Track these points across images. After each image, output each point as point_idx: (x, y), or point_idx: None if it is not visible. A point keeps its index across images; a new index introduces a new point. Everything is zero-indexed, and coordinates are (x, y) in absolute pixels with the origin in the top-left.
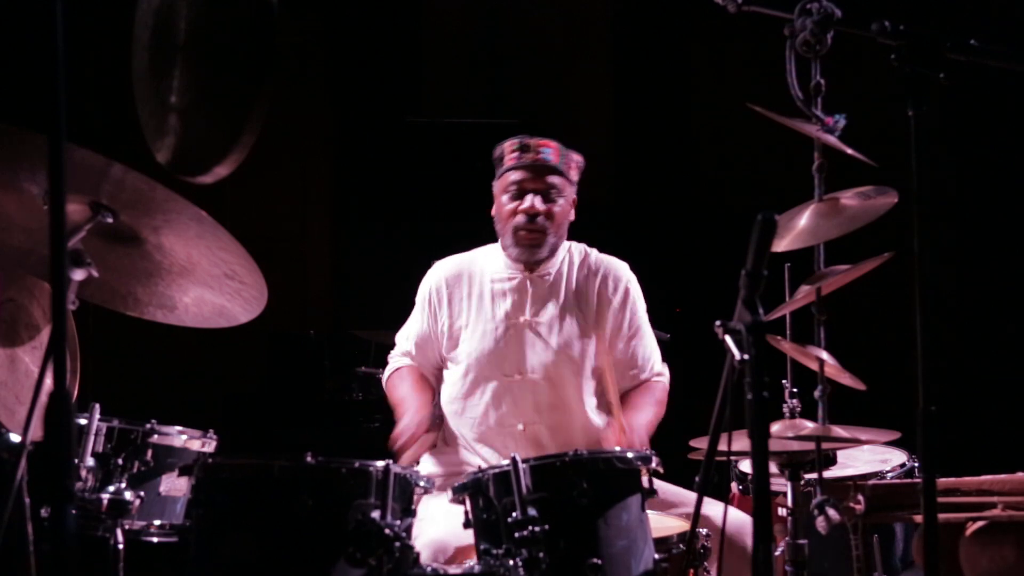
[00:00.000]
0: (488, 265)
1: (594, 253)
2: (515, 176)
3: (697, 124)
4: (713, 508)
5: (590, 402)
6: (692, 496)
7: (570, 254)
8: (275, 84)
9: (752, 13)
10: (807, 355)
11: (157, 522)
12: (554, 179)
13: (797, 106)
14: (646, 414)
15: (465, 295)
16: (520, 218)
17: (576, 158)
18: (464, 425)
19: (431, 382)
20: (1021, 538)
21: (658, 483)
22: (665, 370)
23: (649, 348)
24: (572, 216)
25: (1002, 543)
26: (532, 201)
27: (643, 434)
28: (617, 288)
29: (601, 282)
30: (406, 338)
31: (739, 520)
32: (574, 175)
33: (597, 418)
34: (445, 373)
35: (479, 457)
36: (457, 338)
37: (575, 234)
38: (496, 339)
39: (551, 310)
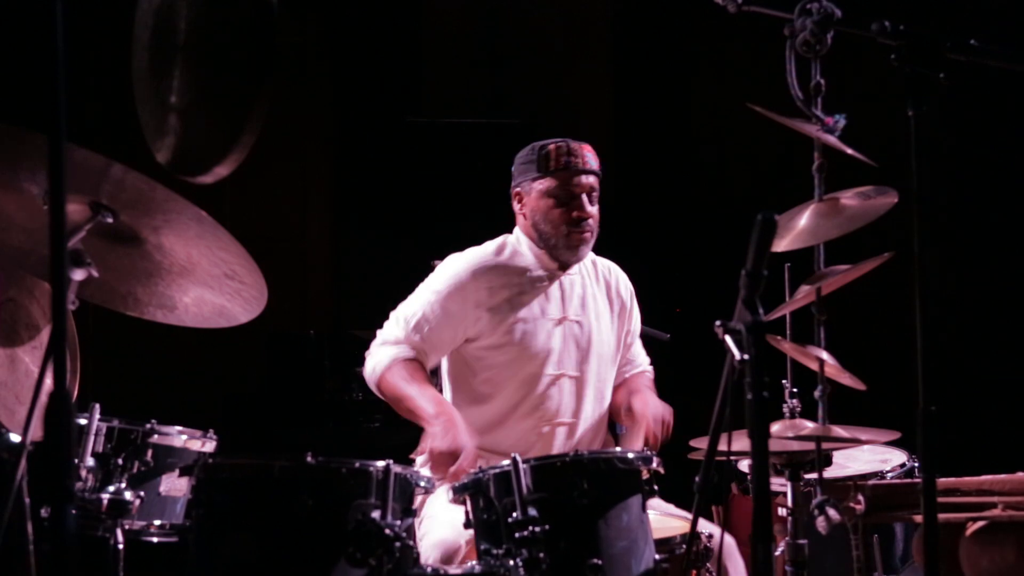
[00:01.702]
0: (519, 261)
1: (598, 258)
2: (565, 180)
3: (697, 124)
4: (708, 529)
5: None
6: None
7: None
8: (275, 84)
9: (752, 13)
10: (807, 355)
11: (157, 522)
12: (595, 182)
13: (797, 106)
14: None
15: (509, 289)
16: (573, 224)
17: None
18: (502, 421)
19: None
20: (1021, 538)
21: (654, 502)
22: (651, 368)
23: (640, 347)
24: None
25: (1002, 543)
26: (585, 206)
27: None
28: (627, 295)
29: (616, 287)
30: (414, 326)
31: (726, 544)
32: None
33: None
34: (487, 372)
35: (499, 456)
36: (501, 333)
37: None
38: (547, 336)
39: (588, 309)
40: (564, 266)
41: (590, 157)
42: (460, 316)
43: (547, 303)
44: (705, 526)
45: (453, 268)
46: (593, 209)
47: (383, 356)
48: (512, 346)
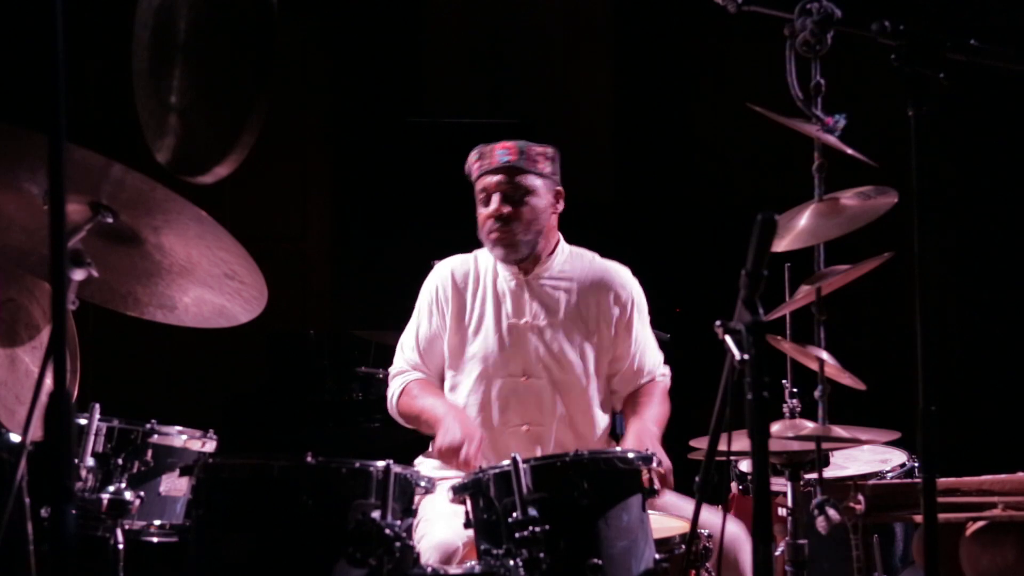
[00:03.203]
0: (490, 266)
1: (597, 259)
2: (481, 184)
3: (697, 124)
4: (710, 517)
5: (595, 405)
6: (690, 505)
7: (571, 258)
8: (275, 84)
9: (752, 13)
10: (807, 355)
11: (157, 522)
12: (518, 178)
13: (797, 106)
14: (654, 410)
15: (470, 295)
16: (489, 222)
17: (540, 149)
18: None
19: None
20: (1021, 538)
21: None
22: (667, 370)
23: (653, 352)
24: (557, 207)
25: (1002, 543)
26: (495, 203)
27: (655, 429)
28: (623, 298)
29: (606, 292)
30: (411, 348)
31: (734, 531)
32: (544, 167)
33: (601, 421)
34: (448, 374)
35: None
36: (463, 337)
37: (575, 233)
38: (501, 339)
39: (552, 314)
40: (526, 269)
41: (501, 154)
42: (436, 319)
43: (510, 308)
44: (709, 513)
45: (427, 280)
46: (512, 208)
47: (394, 386)
48: (469, 348)
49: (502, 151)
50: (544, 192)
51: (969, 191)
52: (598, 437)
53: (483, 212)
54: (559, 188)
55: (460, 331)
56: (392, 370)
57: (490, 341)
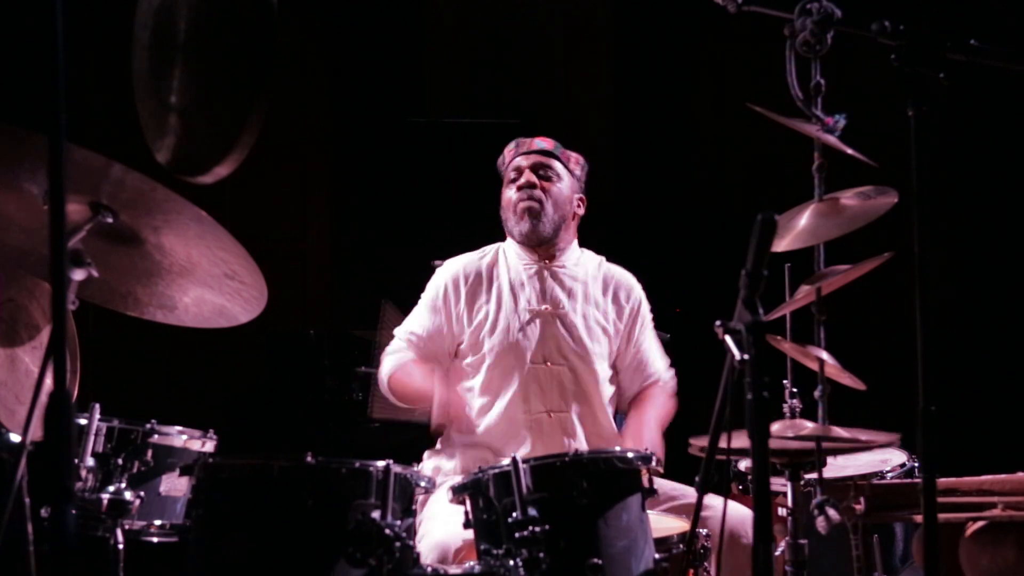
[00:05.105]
0: (504, 259)
1: (605, 262)
2: (514, 165)
3: (697, 124)
4: (714, 501)
5: (607, 393)
6: (691, 490)
7: (584, 258)
8: (275, 84)
9: (752, 13)
10: (807, 355)
11: (157, 522)
12: (551, 161)
13: (797, 106)
14: (655, 411)
15: (484, 288)
16: (518, 193)
17: (575, 155)
18: (491, 416)
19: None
20: (1021, 538)
21: (657, 480)
22: (672, 375)
23: (658, 356)
24: (579, 210)
25: (1002, 543)
26: (527, 176)
27: (655, 427)
28: (630, 300)
29: (616, 292)
30: (409, 333)
31: (740, 514)
32: (575, 168)
33: (611, 410)
34: (467, 366)
35: (493, 451)
36: (480, 331)
37: (578, 233)
38: (521, 328)
39: (572, 302)
40: (546, 257)
41: (540, 143)
42: (444, 318)
43: (530, 295)
44: (714, 499)
45: (435, 276)
46: (544, 183)
47: (385, 366)
48: (488, 340)
49: (541, 141)
50: (570, 186)
51: (969, 191)
52: (613, 427)
53: (512, 188)
54: (582, 195)
55: (477, 324)
56: (388, 349)
57: (511, 330)
